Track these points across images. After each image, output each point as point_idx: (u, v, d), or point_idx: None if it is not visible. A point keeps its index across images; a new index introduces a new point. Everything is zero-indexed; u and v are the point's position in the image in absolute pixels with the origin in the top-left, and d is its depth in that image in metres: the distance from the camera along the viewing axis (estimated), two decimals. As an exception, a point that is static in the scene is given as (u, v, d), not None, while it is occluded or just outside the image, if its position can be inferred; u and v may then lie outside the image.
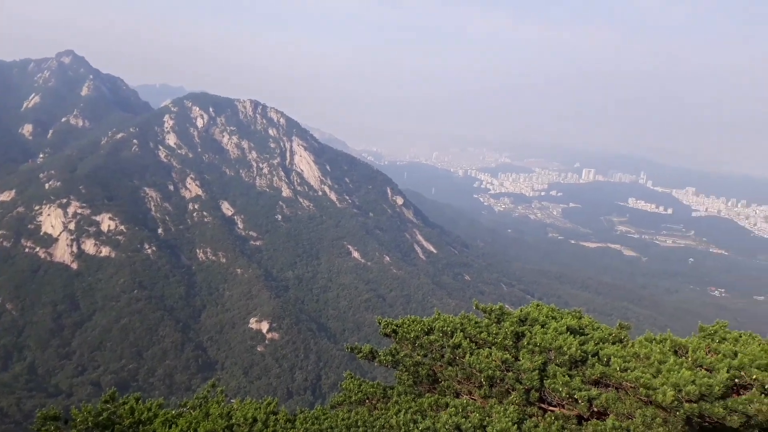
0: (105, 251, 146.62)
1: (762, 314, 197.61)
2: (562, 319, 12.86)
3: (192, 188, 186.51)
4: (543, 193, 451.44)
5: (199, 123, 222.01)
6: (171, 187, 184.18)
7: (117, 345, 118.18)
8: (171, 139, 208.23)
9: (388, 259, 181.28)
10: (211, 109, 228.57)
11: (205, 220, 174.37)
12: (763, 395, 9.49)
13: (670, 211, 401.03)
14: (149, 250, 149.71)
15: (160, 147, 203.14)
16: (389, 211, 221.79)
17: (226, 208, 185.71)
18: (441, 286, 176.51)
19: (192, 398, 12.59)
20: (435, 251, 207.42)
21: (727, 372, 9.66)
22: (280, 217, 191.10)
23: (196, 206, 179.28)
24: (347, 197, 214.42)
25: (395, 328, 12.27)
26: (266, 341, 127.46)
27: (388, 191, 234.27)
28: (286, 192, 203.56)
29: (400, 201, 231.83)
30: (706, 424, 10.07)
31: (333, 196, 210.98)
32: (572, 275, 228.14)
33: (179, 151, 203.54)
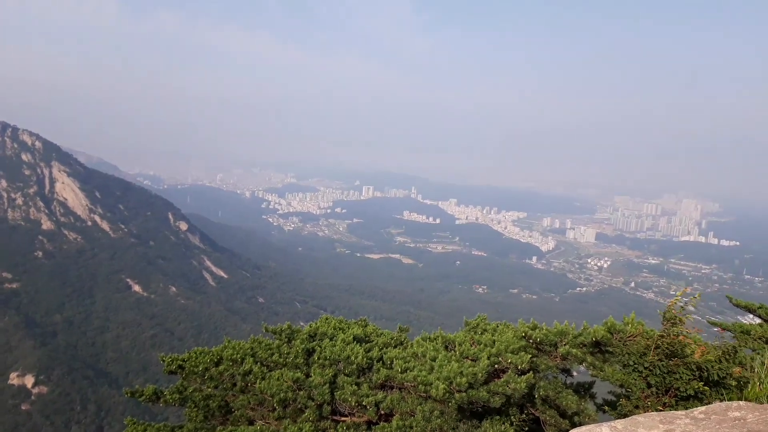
0: None
1: (516, 304, 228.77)
2: (349, 329, 13.51)
3: None
4: (329, 211, 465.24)
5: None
6: None
7: None
8: None
9: (174, 289, 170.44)
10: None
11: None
12: (517, 375, 11.11)
13: (438, 220, 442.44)
14: None
15: None
16: (173, 238, 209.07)
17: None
18: (234, 311, 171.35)
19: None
20: (226, 276, 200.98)
21: (488, 359, 11.13)
22: (40, 253, 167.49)
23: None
24: (123, 226, 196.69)
25: (181, 363, 11.68)
26: (32, 397, 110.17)
27: (170, 217, 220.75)
28: (46, 224, 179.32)
29: (184, 226, 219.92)
30: (478, 409, 11.46)
31: (105, 226, 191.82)
32: (360, 286, 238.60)
33: None
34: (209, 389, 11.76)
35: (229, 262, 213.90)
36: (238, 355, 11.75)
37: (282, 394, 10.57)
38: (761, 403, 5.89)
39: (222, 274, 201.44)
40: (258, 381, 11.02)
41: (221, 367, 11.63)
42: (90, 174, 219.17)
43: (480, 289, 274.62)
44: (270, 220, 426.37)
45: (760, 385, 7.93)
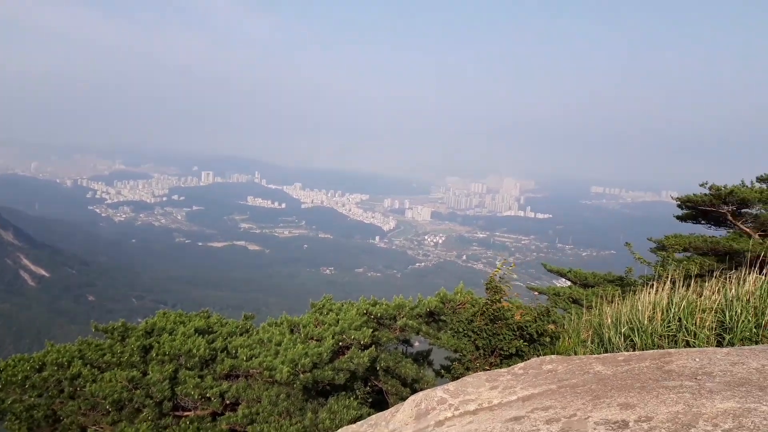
0: None
1: (361, 283, 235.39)
2: (190, 322, 12.99)
3: None
4: (165, 199, 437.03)
5: None
6: None
7: None
8: None
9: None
10: None
11: None
12: (360, 351, 11.57)
13: (283, 205, 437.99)
14: None
15: None
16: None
17: None
18: (61, 313, 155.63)
19: None
20: (48, 275, 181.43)
21: (332, 338, 11.45)
22: None
23: None
24: None
25: (-6, 374, 10.46)
26: None
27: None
28: None
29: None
30: (325, 387, 11.76)
31: None
32: (204, 276, 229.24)
33: None
34: (32, 399, 10.67)
35: (51, 259, 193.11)
36: (65, 359, 10.80)
37: (116, 395, 9.93)
38: (569, 355, 6.74)
39: (43, 272, 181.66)
40: (88, 384, 10.24)
41: (45, 374, 10.62)
42: None
43: (327, 270, 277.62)
44: (97, 210, 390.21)
45: (568, 339, 9.03)
